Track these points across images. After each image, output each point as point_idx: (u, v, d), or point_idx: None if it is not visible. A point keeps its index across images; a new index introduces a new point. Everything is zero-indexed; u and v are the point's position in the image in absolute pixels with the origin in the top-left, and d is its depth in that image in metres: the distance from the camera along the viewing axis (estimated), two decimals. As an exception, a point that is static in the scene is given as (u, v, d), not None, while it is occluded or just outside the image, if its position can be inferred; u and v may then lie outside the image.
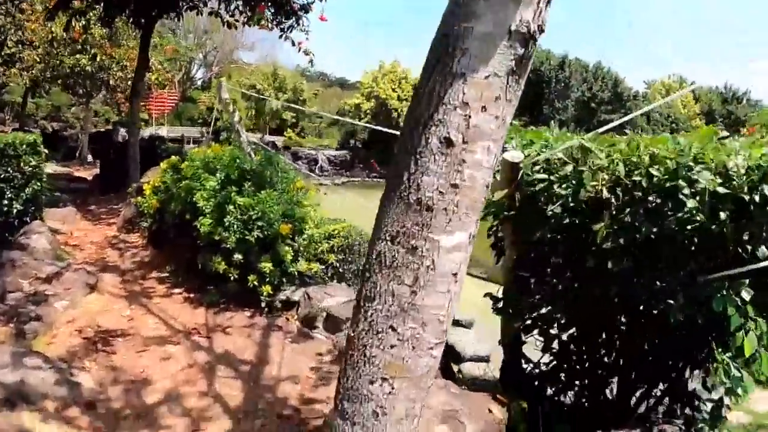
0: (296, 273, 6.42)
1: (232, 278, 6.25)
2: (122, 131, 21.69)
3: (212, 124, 15.42)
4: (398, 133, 2.51)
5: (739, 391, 3.55)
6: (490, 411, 3.66)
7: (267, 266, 6.13)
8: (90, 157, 24.03)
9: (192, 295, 6.84)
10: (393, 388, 2.51)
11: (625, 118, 5.24)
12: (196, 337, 5.87)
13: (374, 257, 2.45)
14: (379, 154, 36.13)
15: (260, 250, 6.28)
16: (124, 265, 7.98)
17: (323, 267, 6.70)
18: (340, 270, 7.08)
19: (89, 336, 5.74)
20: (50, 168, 10.32)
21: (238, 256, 6.20)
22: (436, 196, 2.33)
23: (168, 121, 32.58)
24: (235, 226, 6.22)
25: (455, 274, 2.45)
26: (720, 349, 3.55)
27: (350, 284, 7.00)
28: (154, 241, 8.39)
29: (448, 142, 2.29)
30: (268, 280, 6.19)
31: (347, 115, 38.12)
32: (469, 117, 2.28)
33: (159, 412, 4.57)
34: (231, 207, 6.31)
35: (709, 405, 3.68)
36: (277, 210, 6.28)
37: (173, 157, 8.22)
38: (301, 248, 6.50)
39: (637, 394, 3.99)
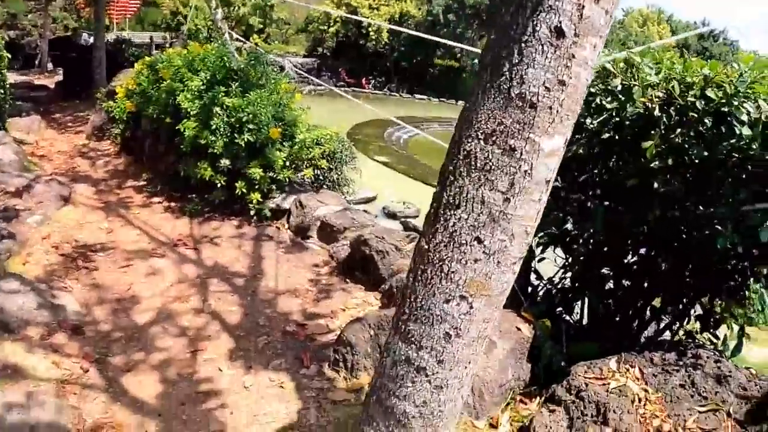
0: (287, 180, 6.00)
1: (218, 185, 5.80)
2: (84, 35, 20.18)
3: (187, 23, 14.37)
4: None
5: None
6: (519, 329, 3.43)
7: (256, 172, 5.69)
8: (50, 65, 22.40)
9: (173, 205, 6.38)
10: (471, 308, 2.21)
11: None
12: (183, 249, 5.45)
13: (461, 157, 2.09)
14: (348, 63, 34.95)
15: (249, 155, 5.83)
16: (96, 174, 7.40)
17: (315, 174, 6.28)
18: (327, 178, 6.67)
19: (67, 252, 5.26)
20: (9, 78, 9.41)
21: (225, 162, 5.74)
22: (542, 92, 1.98)
23: (129, 27, 30.65)
24: (223, 129, 5.73)
25: (548, 182, 2.13)
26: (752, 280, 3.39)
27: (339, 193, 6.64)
28: (127, 149, 7.81)
29: (559, 33, 1.93)
30: (257, 186, 5.77)
31: (315, 23, 36.61)
32: (583, 7, 1.92)
33: (152, 332, 4.21)
34: (218, 109, 5.80)
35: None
36: (267, 112, 5.80)
37: (147, 57, 7.53)
38: (293, 153, 6.04)
39: (654, 318, 3.82)
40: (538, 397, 3.37)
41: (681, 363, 3.12)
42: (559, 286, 4.05)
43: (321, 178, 6.50)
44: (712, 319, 3.53)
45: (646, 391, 2.98)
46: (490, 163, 2.03)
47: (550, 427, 2.94)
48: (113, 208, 6.31)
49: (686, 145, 3.27)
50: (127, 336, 4.13)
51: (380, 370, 2.51)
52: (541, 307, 3.86)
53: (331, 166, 6.46)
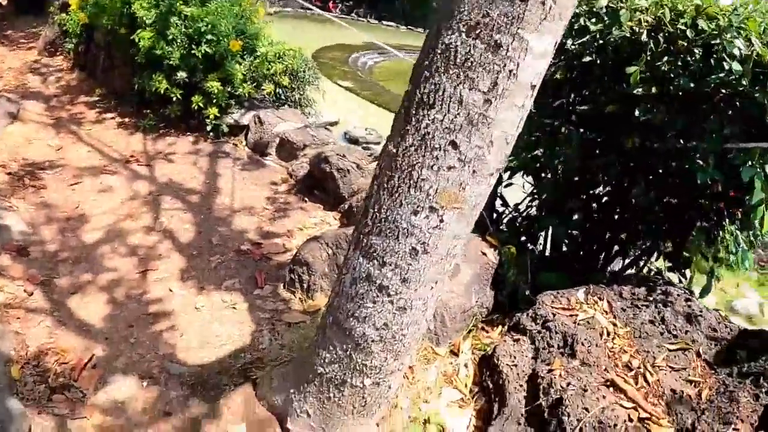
0: (246, 95, 5.61)
1: (174, 99, 5.39)
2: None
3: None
4: None
5: (745, 263, 3.27)
6: (484, 254, 3.23)
7: (214, 86, 5.29)
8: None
9: (127, 120, 5.95)
10: (441, 222, 1.97)
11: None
12: (135, 166, 5.09)
13: (439, 52, 1.82)
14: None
15: (207, 68, 5.42)
16: (48, 91, 6.85)
17: (276, 92, 5.88)
18: (289, 98, 6.27)
19: (14, 171, 4.84)
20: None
21: (182, 74, 5.32)
22: (535, -16, 1.70)
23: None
24: (180, 40, 5.29)
25: (533, 87, 1.88)
26: (727, 221, 3.23)
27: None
28: (81, 64, 7.23)
29: None
30: (215, 101, 5.37)
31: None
32: None
33: (100, 252, 3.90)
34: (175, 18, 5.33)
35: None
36: (228, 23, 5.36)
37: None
38: (253, 67, 5.64)
39: (620, 253, 3.67)
40: (500, 326, 3.21)
41: (651, 299, 2.97)
42: (524, 215, 3.85)
43: (283, 97, 6.11)
44: (681, 258, 3.37)
45: (614, 324, 2.83)
46: (472, 59, 1.77)
47: (514, 357, 2.77)
48: (64, 124, 5.86)
49: (672, 75, 3.05)
50: (74, 256, 3.83)
51: (338, 288, 2.28)
52: (506, 234, 3.67)
53: (293, 85, 6.06)
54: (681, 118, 3.05)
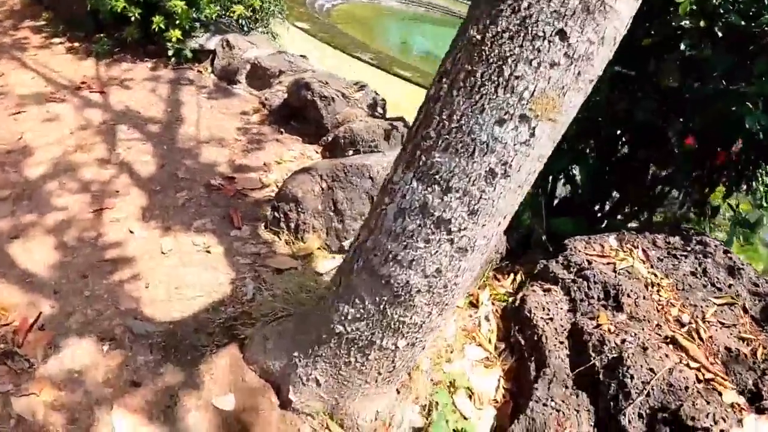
0: (213, 18, 4.86)
1: (132, 19, 4.59)
2: None
3: None
4: None
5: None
6: None
7: (177, 5, 4.51)
8: None
9: (77, 45, 5.10)
10: (532, 136, 1.46)
11: None
12: (87, 93, 4.32)
13: None
14: None
15: (170, -16, 4.64)
16: (-14, 16, 5.86)
17: (244, 16, 5.13)
18: (253, 30, 5.54)
19: None
20: None
21: (142, -10, 4.53)
22: None
23: None
24: (140, -48, 4.50)
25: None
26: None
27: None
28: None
29: None
30: (177, 23, 4.61)
31: None
32: None
33: (47, 189, 3.20)
34: (136, -74, 4.52)
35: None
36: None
37: None
38: (222, -15, 4.91)
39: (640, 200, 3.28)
40: (512, 274, 2.76)
41: (688, 249, 2.59)
42: None
43: (246, 29, 5.38)
44: (707, 208, 3.00)
45: (655, 275, 2.42)
46: None
47: (548, 309, 2.34)
48: (5, 50, 4.97)
49: (722, 11, 2.63)
50: (16, 194, 3.11)
51: (374, 223, 1.74)
52: None
53: (258, 16, 5.35)
54: (728, 57, 2.64)
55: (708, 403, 1.85)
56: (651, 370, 1.96)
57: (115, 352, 2.28)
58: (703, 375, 1.99)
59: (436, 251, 1.63)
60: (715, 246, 2.59)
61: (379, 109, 3.74)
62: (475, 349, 2.41)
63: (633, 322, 2.20)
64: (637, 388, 1.93)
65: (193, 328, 2.43)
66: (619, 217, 3.28)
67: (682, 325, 2.22)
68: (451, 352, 2.38)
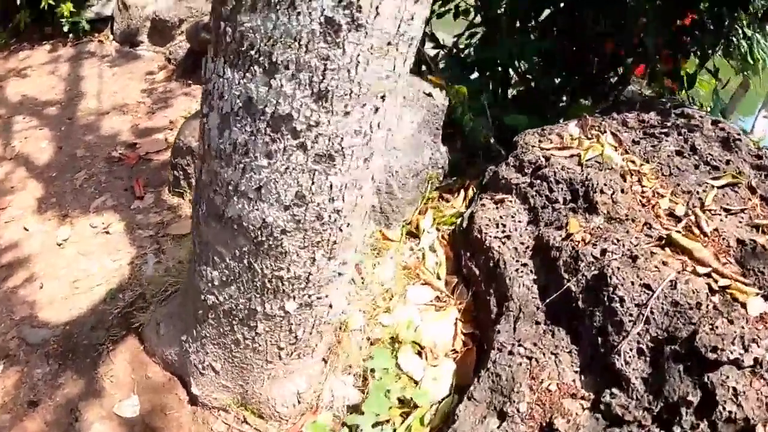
0: (104, -17, 4.00)
1: (18, 2, 3.73)
2: None
3: None
4: None
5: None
6: (429, 94, 2.02)
7: (58, -26, 3.66)
8: None
9: (-31, 44, 4.25)
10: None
11: None
12: (-20, 93, 3.51)
13: None
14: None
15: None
16: None
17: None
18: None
19: None
20: None
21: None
22: None
23: None
24: None
25: None
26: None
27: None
28: None
29: None
30: (67, -6, 3.75)
31: None
32: None
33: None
34: None
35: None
36: None
37: None
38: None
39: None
40: (463, 191, 2.05)
41: (668, 125, 1.88)
42: (466, 52, 2.59)
43: None
44: (681, 76, 2.27)
45: (632, 162, 1.72)
46: None
47: (503, 225, 1.65)
48: None
49: None
50: None
51: (203, 147, 1.04)
52: (446, 74, 2.40)
53: None
54: None
55: (731, 322, 1.18)
56: (646, 286, 1.28)
57: (11, 370, 1.79)
58: (716, 282, 1.32)
59: (287, 167, 0.95)
60: (701, 117, 1.88)
61: None
62: (421, 290, 1.73)
63: (613, 224, 1.51)
64: (630, 315, 1.26)
65: (91, 325, 1.88)
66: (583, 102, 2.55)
67: (678, 220, 1.53)
68: (391, 298, 1.71)
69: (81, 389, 1.71)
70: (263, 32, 0.87)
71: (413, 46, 0.97)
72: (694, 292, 1.25)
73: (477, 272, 1.66)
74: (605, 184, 1.58)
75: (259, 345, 1.31)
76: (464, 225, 1.76)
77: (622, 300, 1.28)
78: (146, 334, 1.72)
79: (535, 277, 1.52)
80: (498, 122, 2.22)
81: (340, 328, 1.60)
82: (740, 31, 2.13)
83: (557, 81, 2.30)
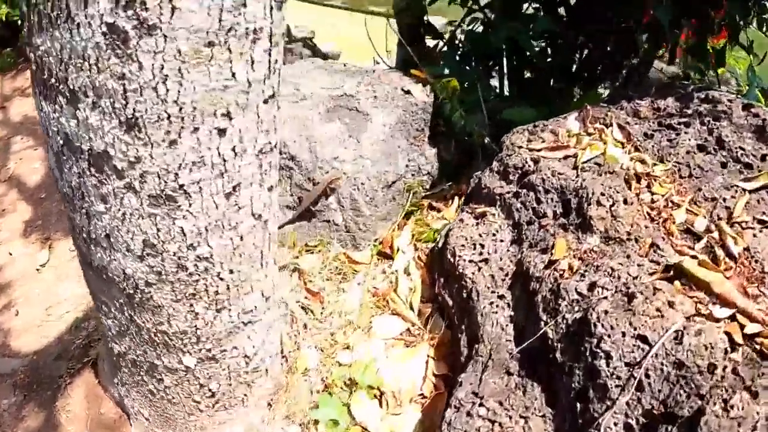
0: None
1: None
2: None
3: None
4: None
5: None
6: (407, 92, 1.70)
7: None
8: None
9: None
10: None
11: None
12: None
13: None
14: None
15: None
16: None
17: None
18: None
19: None
20: None
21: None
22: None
23: None
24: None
25: None
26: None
27: None
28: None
29: None
30: None
31: None
32: None
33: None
34: None
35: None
36: None
37: None
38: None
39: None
40: (457, 198, 1.73)
41: (689, 113, 1.48)
42: (463, 41, 2.20)
43: None
44: (707, 52, 1.84)
45: (642, 162, 1.35)
46: None
47: (482, 246, 1.32)
48: None
49: None
50: None
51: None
52: (442, 69, 2.03)
53: None
54: None
55: (754, 395, 0.83)
56: (642, 338, 0.94)
57: (-18, 404, 1.66)
58: (743, 328, 0.96)
59: (123, 213, 0.73)
60: (730, 101, 1.47)
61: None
62: (390, 321, 1.43)
63: (611, 246, 1.16)
64: (617, 378, 0.92)
65: (54, 356, 1.71)
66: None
67: (696, 238, 1.17)
68: (353, 332, 1.42)
69: (40, 423, 1.55)
70: (55, 55, 0.63)
71: (262, 41, 0.69)
72: (707, 348, 0.90)
73: (450, 302, 1.34)
74: (603, 194, 1.22)
75: (173, 397, 1.08)
76: (440, 244, 1.44)
77: (608, 356, 0.94)
78: (99, 368, 1.53)
79: (512, 314, 1.19)
80: (498, 117, 1.87)
81: (290, 371, 1.34)
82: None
83: (564, 67, 1.91)
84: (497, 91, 2.14)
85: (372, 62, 2.52)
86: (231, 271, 0.94)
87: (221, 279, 0.94)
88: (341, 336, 1.41)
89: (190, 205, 0.79)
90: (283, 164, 1.54)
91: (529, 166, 1.36)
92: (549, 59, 1.90)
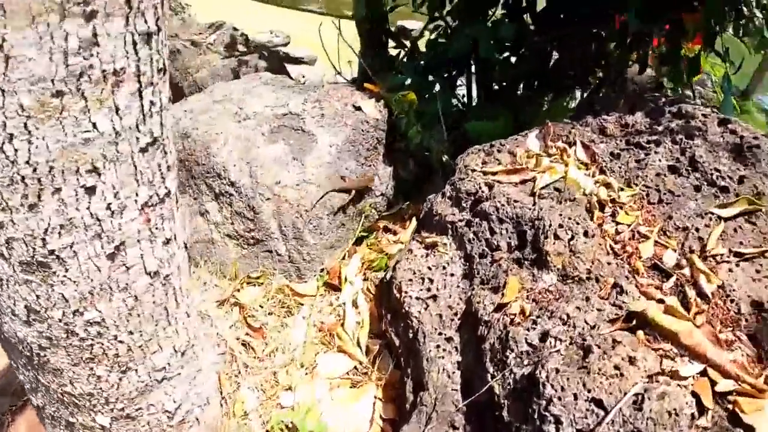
0: None
1: None
2: None
3: None
4: None
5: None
6: (357, 108, 1.55)
7: None
8: None
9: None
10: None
11: None
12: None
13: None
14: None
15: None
16: None
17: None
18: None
19: None
20: None
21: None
22: None
23: None
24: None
25: None
26: None
27: None
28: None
29: None
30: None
31: None
32: None
33: None
34: None
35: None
36: None
37: None
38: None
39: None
40: (415, 219, 1.59)
41: (659, 129, 1.34)
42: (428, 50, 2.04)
43: None
44: (680, 61, 1.70)
45: (607, 185, 1.21)
46: None
47: (431, 281, 1.18)
48: None
49: None
50: None
51: None
52: (403, 80, 1.88)
53: None
54: None
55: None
56: (597, 402, 0.80)
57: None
58: (714, 385, 0.82)
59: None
60: (704, 116, 1.33)
61: (240, 47, 2.53)
62: (336, 359, 1.29)
63: (569, 286, 1.02)
64: (568, 451, 0.78)
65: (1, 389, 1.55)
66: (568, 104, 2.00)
67: (665, 276, 1.03)
68: (297, 370, 1.27)
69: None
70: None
71: (126, 83, 0.56)
72: (670, 415, 0.77)
73: (397, 342, 1.20)
74: (561, 226, 1.08)
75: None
76: (388, 276, 1.30)
77: (558, 421, 0.80)
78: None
79: (460, 359, 1.05)
80: (462, 128, 1.72)
81: (227, 415, 1.19)
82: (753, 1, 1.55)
83: (531, 75, 1.76)
84: (464, 99, 2.00)
85: (348, 66, 2.37)
86: (131, 333, 0.80)
87: (120, 342, 0.80)
88: (284, 375, 1.26)
89: (66, 270, 0.66)
90: (224, 190, 1.39)
91: (482, 191, 1.22)
92: (514, 68, 1.75)
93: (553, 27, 1.74)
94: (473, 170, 1.27)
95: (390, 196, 1.60)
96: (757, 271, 1.04)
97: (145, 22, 0.62)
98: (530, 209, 1.14)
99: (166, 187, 0.75)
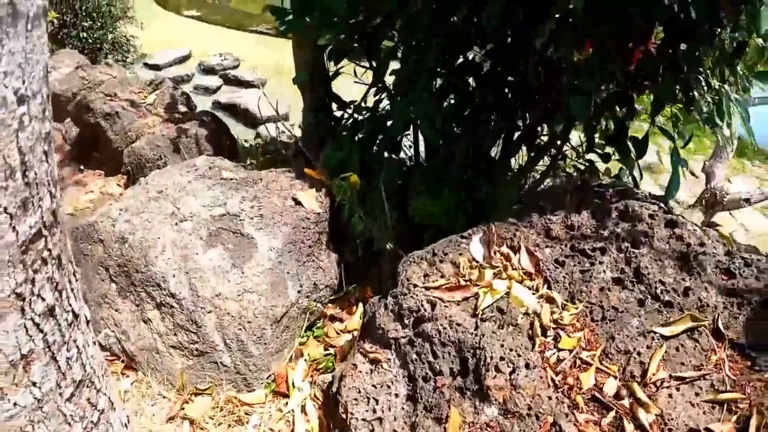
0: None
1: None
2: None
3: None
4: None
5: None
6: (297, 203, 1.46)
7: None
8: None
9: None
10: None
11: None
12: None
13: None
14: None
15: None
16: None
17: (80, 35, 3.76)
18: (101, 40, 4.16)
19: None
20: None
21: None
22: None
23: None
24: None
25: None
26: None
27: None
28: None
29: None
30: None
31: None
32: None
33: None
34: None
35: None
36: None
37: None
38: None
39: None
40: (361, 305, 1.52)
41: (605, 234, 1.29)
42: (368, 115, 1.94)
43: (90, 40, 3.98)
44: (626, 142, 1.64)
45: (551, 300, 1.15)
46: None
47: (376, 402, 1.11)
48: None
49: None
50: None
51: None
52: (344, 156, 1.77)
53: (100, 23, 3.96)
54: None
55: None
56: None
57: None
58: None
59: None
60: (651, 216, 1.28)
61: (181, 107, 2.38)
62: (282, 477, 1.21)
63: (510, 421, 0.96)
64: None
65: None
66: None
67: (605, 408, 0.98)
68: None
69: None
70: None
71: None
72: None
73: (341, 466, 1.13)
74: (502, 358, 1.02)
75: None
76: (334, 389, 1.22)
77: None
78: None
79: (402, 501, 0.98)
80: (408, 203, 1.64)
81: None
82: (703, 82, 1.51)
83: (477, 150, 1.69)
84: (412, 162, 1.90)
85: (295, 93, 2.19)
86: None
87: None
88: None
89: None
90: (165, 301, 1.30)
91: (425, 310, 1.15)
92: (456, 145, 1.68)
93: (499, 103, 1.68)
94: (415, 285, 1.19)
95: (336, 283, 1.51)
96: (696, 394, 1.00)
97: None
98: (472, 334, 1.07)
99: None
